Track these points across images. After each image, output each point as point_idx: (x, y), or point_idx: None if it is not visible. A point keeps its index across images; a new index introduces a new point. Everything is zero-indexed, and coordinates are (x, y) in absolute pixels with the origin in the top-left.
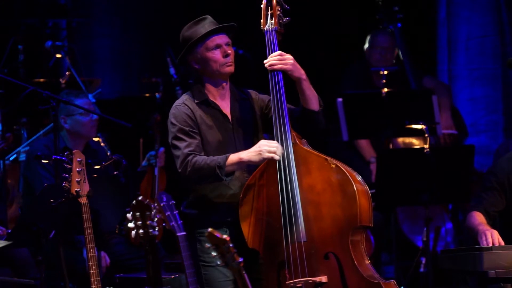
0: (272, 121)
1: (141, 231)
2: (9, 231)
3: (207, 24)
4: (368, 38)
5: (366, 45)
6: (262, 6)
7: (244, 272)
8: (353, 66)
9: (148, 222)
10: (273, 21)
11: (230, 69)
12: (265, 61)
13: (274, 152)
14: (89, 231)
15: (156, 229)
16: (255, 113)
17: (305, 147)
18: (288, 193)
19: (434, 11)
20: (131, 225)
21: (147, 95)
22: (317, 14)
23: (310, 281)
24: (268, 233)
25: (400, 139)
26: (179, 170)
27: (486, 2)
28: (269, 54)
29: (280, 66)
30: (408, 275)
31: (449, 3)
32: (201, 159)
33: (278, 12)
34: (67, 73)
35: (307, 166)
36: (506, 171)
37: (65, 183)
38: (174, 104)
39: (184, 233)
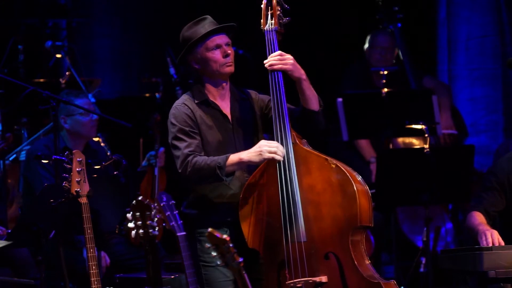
0: (272, 121)
1: (141, 231)
2: (9, 231)
3: (207, 24)
4: (368, 38)
5: (366, 45)
6: (262, 6)
7: (244, 272)
8: (353, 66)
9: (148, 222)
10: (273, 21)
11: (230, 69)
12: (265, 61)
13: (275, 153)
14: (89, 231)
15: (156, 229)
16: (255, 113)
17: (305, 147)
18: (288, 193)
19: (434, 11)
20: (131, 225)
21: (147, 95)
22: (317, 14)
23: (310, 281)
24: (268, 233)
25: (400, 139)
26: (179, 171)
27: (486, 2)
28: (269, 54)
29: (280, 66)
30: (408, 275)
31: (449, 3)
32: (201, 159)
33: (278, 12)
34: (67, 73)
35: (307, 166)
36: (506, 171)
37: (65, 183)
38: (174, 104)
39: (184, 233)
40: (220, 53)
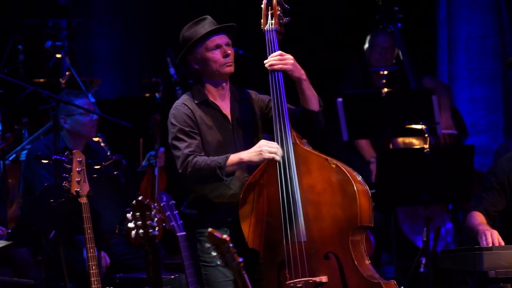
0: (272, 121)
1: (141, 231)
2: (9, 231)
3: (207, 24)
4: (368, 38)
5: (366, 45)
6: (262, 6)
7: (244, 272)
8: (353, 66)
9: (148, 222)
10: (273, 21)
11: (230, 69)
12: (265, 61)
13: (275, 153)
14: (89, 231)
15: (156, 229)
16: (255, 113)
17: (305, 147)
18: (288, 193)
19: (434, 11)
20: (131, 225)
21: (147, 95)
22: (317, 14)
23: (310, 281)
24: (268, 233)
25: (400, 139)
26: (180, 171)
27: (486, 2)
28: (269, 54)
29: (280, 66)
30: (408, 275)
31: (449, 3)
32: (202, 159)
33: (279, 12)
34: (67, 73)
35: (307, 166)
36: (506, 171)
37: (65, 183)
38: (174, 105)
39: (184, 233)
40: (220, 53)
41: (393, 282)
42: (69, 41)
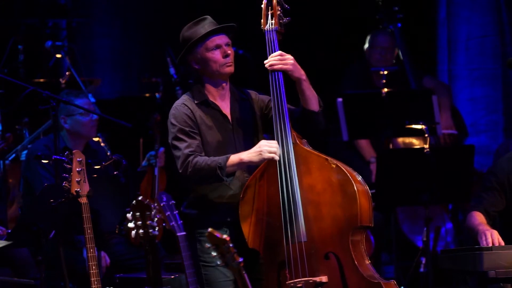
0: (272, 121)
1: (141, 231)
2: (9, 231)
3: (207, 24)
4: (368, 38)
5: (366, 45)
6: (262, 6)
7: (244, 272)
8: (353, 66)
9: (148, 222)
10: (273, 21)
11: (230, 69)
12: (265, 61)
13: (275, 153)
14: (89, 231)
15: (156, 229)
16: (255, 114)
17: (305, 147)
18: (288, 193)
19: (434, 11)
20: (131, 225)
21: (147, 95)
22: (317, 14)
23: (311, 281)
24: (269, 233)
25: (400, 139)
26: (180, 171)
27: (486, 2)
28: (269, 54)
29: (280, 66)
30: (408, 275)
31: (449, 3)
32: (202, 159)
33: (279, 12)
34: (67, 73)
35: (307, 166)
36: (506, 171)
37: (65, 183)
38: (174, 105)
39: (184, 233)
40: (220, 53)
41: (393, 282)
42: (69, 41)
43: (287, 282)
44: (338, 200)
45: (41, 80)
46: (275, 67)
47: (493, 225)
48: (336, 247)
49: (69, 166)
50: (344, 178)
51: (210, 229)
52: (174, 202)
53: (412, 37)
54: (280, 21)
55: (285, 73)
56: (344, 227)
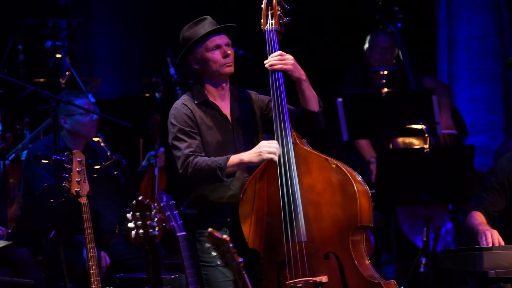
0: (273, 121)
1: (141, 231)
2: (9, 231)
3: (207, 24)
4: (368, 38)
5: (366, 45)
6: (262, 6)
7: (244, 272)
8: (353, 66)
9: (148, 222)
10: (273, 21)
11: (230, 69)
12: (265, 61)
13: (275, 153)
14: (89, 231)
15: (156, 229)
16: (255, 114)
17: (305, 147)
18: (288, 193)
19: (434, 11)
20: (131, 225)
21: (147, 95)
22: (317, 14)
23: (311, 281)
24: (269, 233)
25: (400, 139)
26: (180, 171)
27: (486, 2)
28: (270, 54)
29: (280, 66)
30: (408, 275)
31: (449, 3)
32: (202, 160)
33: (279, 12)
34: (67, 73)
35: (307, 166)
36: (506, 171)
37: (65, 183)
38: (174, 105)
39: (184, 233)
40: (220, 53)
41: (393, 282)
42: (69, 41)
43: (287, 282)
44: (338, 200)
45: (41, 80)
46: (275, 67)
47: (493, 225)
48: (336, 247)
49: (69, 166)
50: (344, 178)
51: (210, 229)
52: (174, 202)
53: (412, 37)
54: (280, 21)
55: (285, 73)
56: (344, 227)
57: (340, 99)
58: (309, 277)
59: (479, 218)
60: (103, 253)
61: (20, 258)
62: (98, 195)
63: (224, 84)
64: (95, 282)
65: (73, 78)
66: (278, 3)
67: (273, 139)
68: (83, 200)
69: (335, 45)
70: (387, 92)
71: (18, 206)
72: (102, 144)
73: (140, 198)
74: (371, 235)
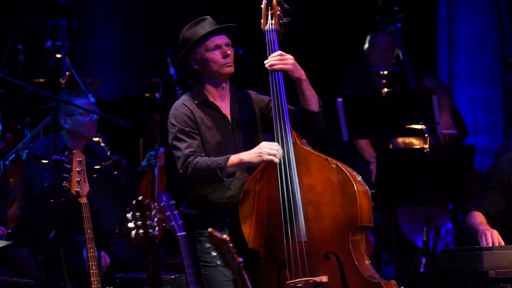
0: (273, 121)
1: (141, 231)
2: (9, 231)
3: (207, 24)
4: (368, 38)
5: (366, 45)
6: (262, 6)
7: (244, 272)
8: (353, 66)
9: (148, 222)
10: (273, 21)
11: (230, 69)
12: (265, 61)
13: (274, 155)
14: (89, 231)
15: (156, 229)
16: (255, 114)
17: (305, 147)
18: (288, 193)
19: (434, 11)
20: (131, 225)
21: (147, 95)
22: (317, 14)
23: (311, 281)
24: (269, 233)
25: (400, 139)
26: (180, 171)
27: (486, 2)
28: (269, 54)
29: (280, 66)
30: (408, 275)
31: (449, 3)
32: (202, 160)
33: (278, 12)
34: (67, 73)
35: (307, 166)
36: (506, 171)
37: (65, 183)
38: (174, 105)
39: (184, 233)
40: (220, 53)
41: (393, 282)
42: (69, 41)
43: (287, 282)
44: (338, 200)
45: (41, 80)
46: (275, 67)
47: (493, 225)
48: (336, 247)
49: (69, 166)
50: (344, 178)
51: (210, 229)
52: (174, 202)
53: (412, 37)
54: (280, 21)
55: (285, 73)
56: (344, 227)
57: (340, 99)
58: (309, 277)
59: (479, 218)
60: (103, 253)
61: (20, 258)
62: (98, 195)
63: (224, 84)
64: (95, 282)
65: (73, 78)
66: (278, 3)
67: (273, 139)
68: (83, 200)
69: (335, 45)
70: (387, 92)
71: (18, 206)
72: (102, 144)
73: (140, 198)
74: (371, 235)
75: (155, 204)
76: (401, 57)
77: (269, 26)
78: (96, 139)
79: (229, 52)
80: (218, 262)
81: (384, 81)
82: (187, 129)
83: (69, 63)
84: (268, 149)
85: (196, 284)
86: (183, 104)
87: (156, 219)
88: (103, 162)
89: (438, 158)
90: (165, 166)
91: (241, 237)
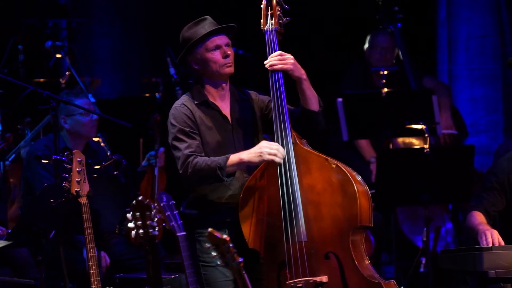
0: (272, 121)
1: (141, 231)
2: (9, 231)
3: (207, 24)
4: (368, 38)
5: (366, 45)
6: (262, 6)
7: (244, 272)
8: (353, 66)
9: (148, 222)
10: (273, 21)
11: (230, 70)
12: (265, 61)
13: (275, 155)
14: (89, 231)
15: (156, 229)
16: (255, 114)
17: (305, 147)
18: (288, 193)
19: (434, 11)
20: (131, 225)
21: (147, 95)
22: (317, 14)
23: (311, 281)
24: (269, 233)
25: (400, 139)
26: (180, 171)
27: (486, 2)
28: (269, 54)
29: (280, 66)
30: (408, 275)
31: (449, 3)
32: (202, 160)
33: (278, 12)
34: (67, 73)
35: (307, 166)
36: (506, 171)
37: (65, 183)
38: (174, 105)
39: (184, 233)
40: (220, 53)
41: (393, 282)
42: (69, 41)
43: (287, 282)
44: (338, 200)
45: (41, 80)
46: (275, 67)
47: (493, 225)
48: (336, 247)
49: (69, 166)
50: (344, 178)
51: (210, 229)
52: (174, 202)
53: (412, 37)
54: (280, 21)
55: (285, 73)
56: (344, 227)
57: (340, 99)
58: (309, 277)
59: (479, 218)
60: (103, 253)
61: (20, 258)
62: (98, 195)
63: (224, 85)
64: (95, 282)
65: (73, 78)
66: (278, 3)
67: (273, 139)
68: (83, 200)
69: (335, 45)
70: (387, 92)
71: (18, 206)
72: (102, 144)
73: (140, 198)
74: (371, 235)
75: (155, 204)
76: (401, 57)
77: (269, 26)
78: (96, 139)
79: (229, 52)
80: (218, 262)
81: (384, 81)
82: (187, 129)
83: (69, 63)
84: (268, 149)
85: (196, 284)
86: (183, 104)
87: (156, 219)
88: (103, 162)
89: (438, 158)
90: (165, 166)
91: (241, 237)
